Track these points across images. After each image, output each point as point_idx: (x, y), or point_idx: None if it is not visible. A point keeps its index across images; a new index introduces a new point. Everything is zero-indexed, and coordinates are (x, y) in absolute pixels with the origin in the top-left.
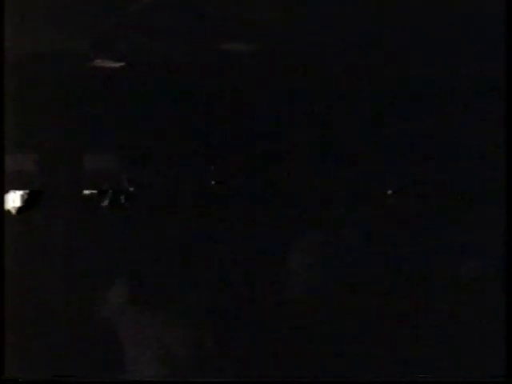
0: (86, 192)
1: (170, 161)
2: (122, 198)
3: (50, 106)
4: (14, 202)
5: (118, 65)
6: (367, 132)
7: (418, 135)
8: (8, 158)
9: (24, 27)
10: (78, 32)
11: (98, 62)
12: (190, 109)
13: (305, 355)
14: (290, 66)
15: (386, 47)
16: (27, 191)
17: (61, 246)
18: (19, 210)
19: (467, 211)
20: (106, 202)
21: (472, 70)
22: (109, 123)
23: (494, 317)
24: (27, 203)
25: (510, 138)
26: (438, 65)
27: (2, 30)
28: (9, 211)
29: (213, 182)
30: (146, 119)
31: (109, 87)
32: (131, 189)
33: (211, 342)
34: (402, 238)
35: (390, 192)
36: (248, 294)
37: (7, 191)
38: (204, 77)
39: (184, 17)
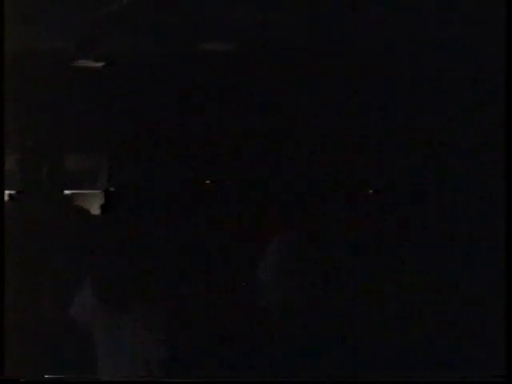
0: (67, 192)
1: (154, 160)
2: (102, 198)
3: (31, 106)
4: None
5: (99, 64)
6: (350, 130)
7: (402, 133)
8: None
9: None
10: (60, 31)
11: (80, 62)
12: (175, 108)
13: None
14: (274, 64)
15: (362, 44)
16: (7, 192)
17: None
18: None
19: (454, 211)
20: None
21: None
22: (91, 122)
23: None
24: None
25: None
26: (425, 61)
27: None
28: None
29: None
30: (129, 118)
31: (90, 87)
32: (112, 189)
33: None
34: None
35: (371, 191)
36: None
37: None
38: (188, 75)
39: (166, 15)
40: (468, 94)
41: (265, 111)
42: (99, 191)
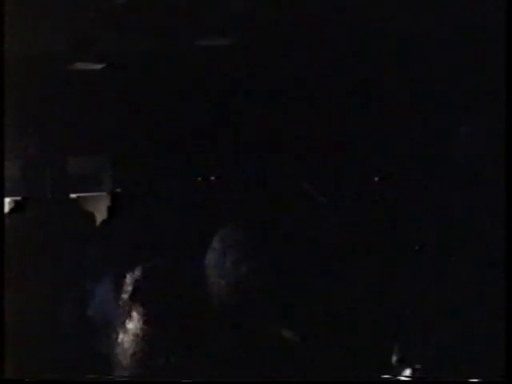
0: (73, 195)
1: (155, 160)
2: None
3: (32, 110)
4: None
5: (99, 66)
6: (355, 119)
7: (406, 122)
8: None
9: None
10: (58, 35)
11: (79, 65)
12: (175, 106)
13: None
14: (274, 57)
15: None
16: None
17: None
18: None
19: (457, 201)
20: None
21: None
22: (92, 125)
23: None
24: (14, 209)
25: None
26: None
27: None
28: None
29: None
30: (130, 119)
31: (91, 89)
32: (118, 190)
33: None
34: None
35: (376, 179)
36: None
37: None
38: (186, 73)
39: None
40: None
41: None
42: (105, 193)
